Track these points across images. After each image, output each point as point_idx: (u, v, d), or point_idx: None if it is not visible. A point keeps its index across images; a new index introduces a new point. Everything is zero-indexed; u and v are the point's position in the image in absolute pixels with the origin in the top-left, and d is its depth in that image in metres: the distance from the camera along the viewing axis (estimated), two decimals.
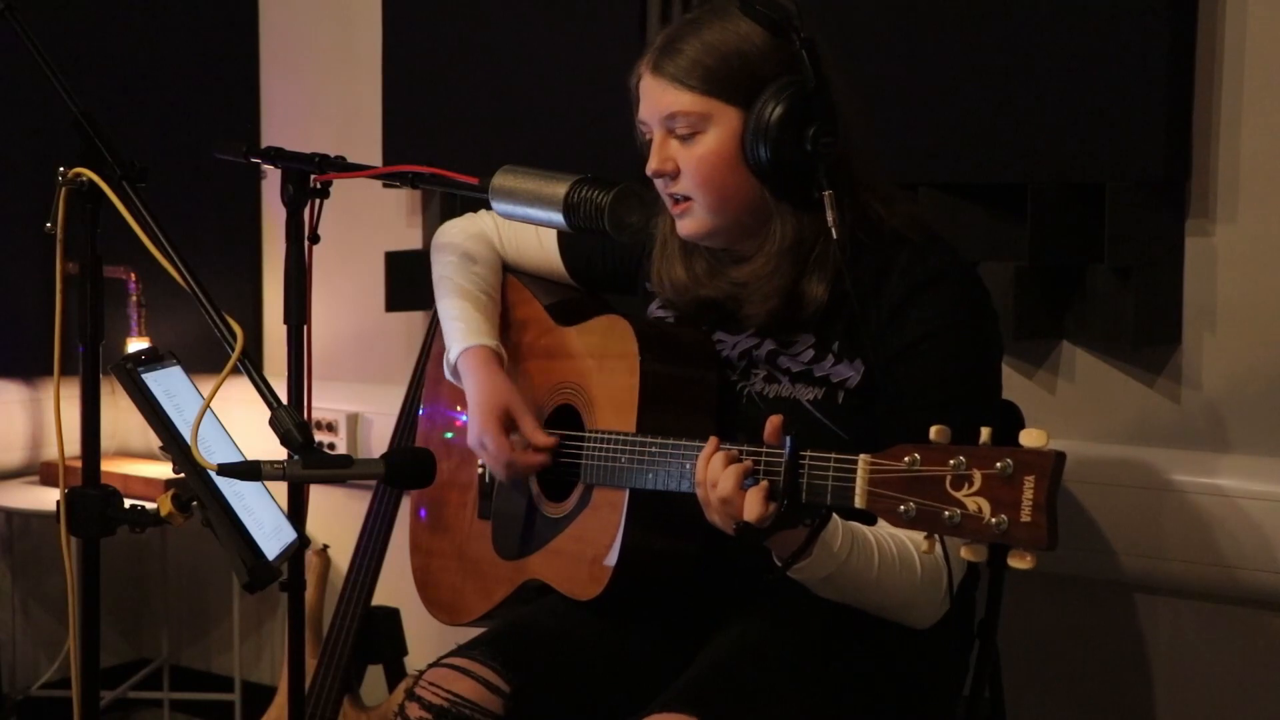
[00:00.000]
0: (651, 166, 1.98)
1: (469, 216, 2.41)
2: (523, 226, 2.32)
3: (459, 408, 2.30)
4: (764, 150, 1.90)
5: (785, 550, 1.76)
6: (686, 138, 1.95)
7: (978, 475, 1.52)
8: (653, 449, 1.93)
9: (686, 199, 1.97)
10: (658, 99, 1.96)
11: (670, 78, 1.94)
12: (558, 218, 1.88)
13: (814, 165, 1.88)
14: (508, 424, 2.12)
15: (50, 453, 3.57)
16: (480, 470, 2.30)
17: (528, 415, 2.13)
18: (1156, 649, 2.54)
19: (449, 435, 2.37)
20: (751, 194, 1.95)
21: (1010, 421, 2.20)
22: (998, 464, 1.50)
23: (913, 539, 1.87)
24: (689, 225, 1.99)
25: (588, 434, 2.06)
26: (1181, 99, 2.40)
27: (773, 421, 1.74)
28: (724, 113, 1.93)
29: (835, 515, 1.81)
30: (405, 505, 2.66)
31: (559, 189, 1.87)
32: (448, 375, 2.26)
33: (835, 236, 1.87)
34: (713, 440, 1.78)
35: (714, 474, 1.74)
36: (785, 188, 1.92)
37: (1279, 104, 2.38)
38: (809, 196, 1.91)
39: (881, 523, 1.89)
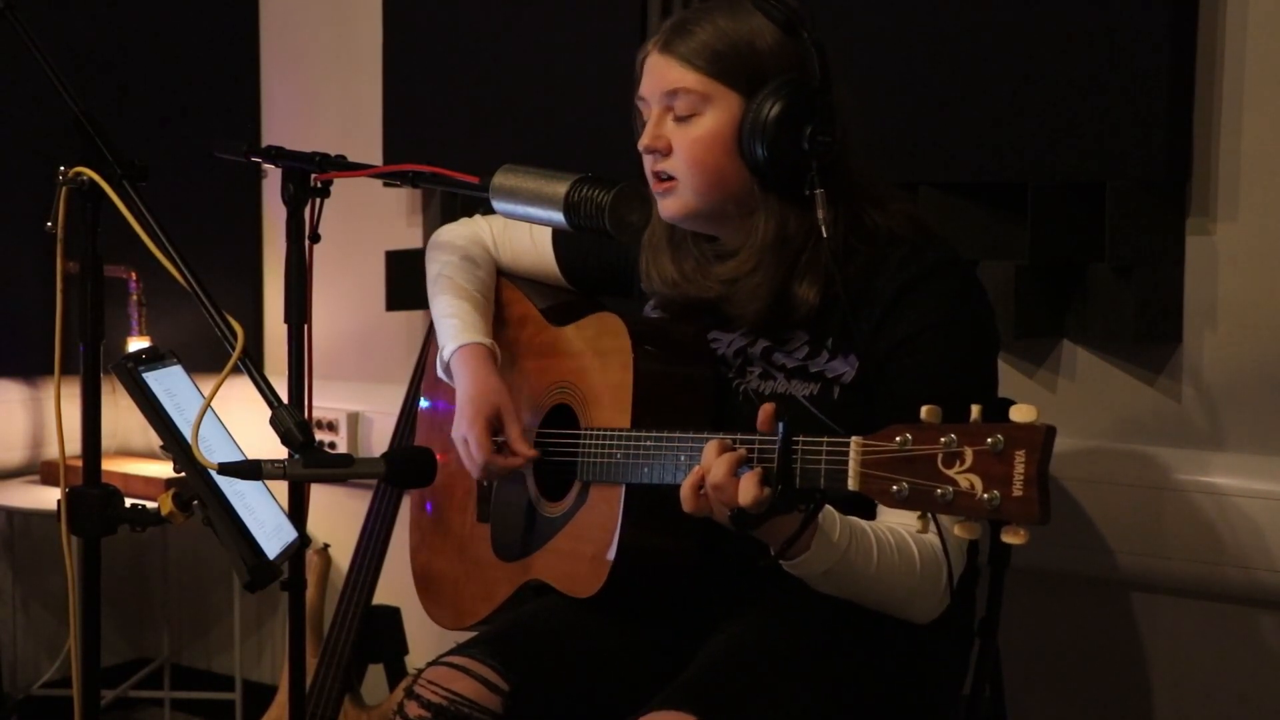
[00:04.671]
0: (644, 142, 1.99)
1: (464, 220, 2.41)
2: (517, 229, 2.32)
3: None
4: (759, 140, 1.90)
5: (779, 540, 1.76)
6: (684, 118, 1.95)
7: (969, 452, 1.52)
8: (647, 443, 1.93)
9: (672, 178, 1.98)
10: (662, 75, 1.96)
11: (679, 56, 1.95)
12: (558, 217, 1.88)
13: (808, 163, 1.89)
14: (495, 425, 2.13)
15: (51, 452, 3.58)
16: None
17: (515, 423, 2.13)
18: (1156, 648, 2.54)
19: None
20: (739, 183, 1.95)
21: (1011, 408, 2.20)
22: (988, 440, 1.51)
23: (910, 531, 1.87)
24: (671, 205, 1.99)
25: (583, 432, 2.06)
26: (1182, 98, 2.39)
27: (765, 410, 1.74)
28: (725, 97, 1.93)
29: (834, 510, 1.81)
30: (406, 504, 2.66)
31: (560, 188, 1.87)
32: (440, 373, 2.26)
33: (825, 235, 1.87)
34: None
35: (707, 461, 1.75)
36: (775, 182, 1.93)
37: (1279, 102, 2.38)
38: (798, 194, 1.91)
39: (881, 515, 1.90)
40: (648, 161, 2.01)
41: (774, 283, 1.96)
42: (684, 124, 1.96)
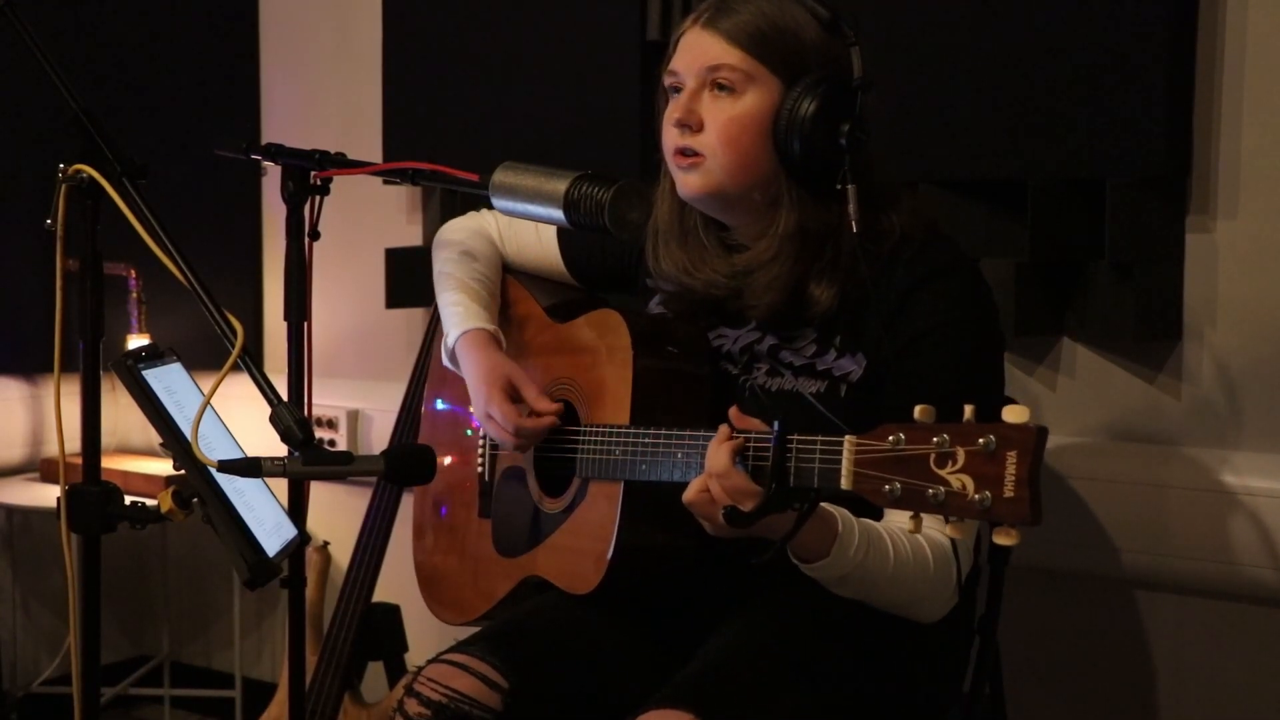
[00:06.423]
0: (676, 115, 1.96)
1: (470, 215, 2.41)
2: (523, 225, 2.32)
3: (463, 405, 2.31)
4: (795, 132, 1.90)
5: (776, 538, 1.76)
6: (724, 88, 1.93)
7: (961, 452, 1.52)
8: (646, 440, 1.93)
9: (699, 154, 1.96)
10: (705, 50, 1.94)
11: (724, 33, 1.93)
12: (558, 214, 1.88)
13: (840, 160, 1.89)
14: (512, 394, 2.13)
15: (51, 449, 3.58)
16: (480, 470, 2.30)
17: (530, 383, 2.13)
18: (1158, 646, 2.54)
19: (469, 433, 2.37)
20: (767, 169, 1.94)
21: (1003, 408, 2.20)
22: (980, 440, 1.51)
23: (922, 531, 1.86)
24: (695, 181, 1.97)
25: (582, 428, 2.06)
26: (1182, 95, 2.40)
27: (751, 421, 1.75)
28: (767, 80, 1.92)
29: (851, 516, 1.82)
30: (406, 502, 2.66)
31: (559, 185, 1.87)
32: (445, 361, 2.26)
33: (855, 230, 1.87)
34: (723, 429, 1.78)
35: (711, 453, 1.75)
36: (803, 175, 1.93)
37: (1279, 100, 2.38)
38: (821, 189, 1.91)
39: (887, 513, 1.90)
40: (673, 135, 1.98)
41: (791, 277, 1.96)
42: (722, 99, 1.94)
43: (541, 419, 2.10)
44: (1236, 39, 2.39)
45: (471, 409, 2.19)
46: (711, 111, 1.94)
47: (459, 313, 2.23)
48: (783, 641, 1.94)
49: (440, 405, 2.43)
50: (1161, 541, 2.44)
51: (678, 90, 1.98)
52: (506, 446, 2.17)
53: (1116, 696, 2.59)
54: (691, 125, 1.95)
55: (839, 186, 1.88)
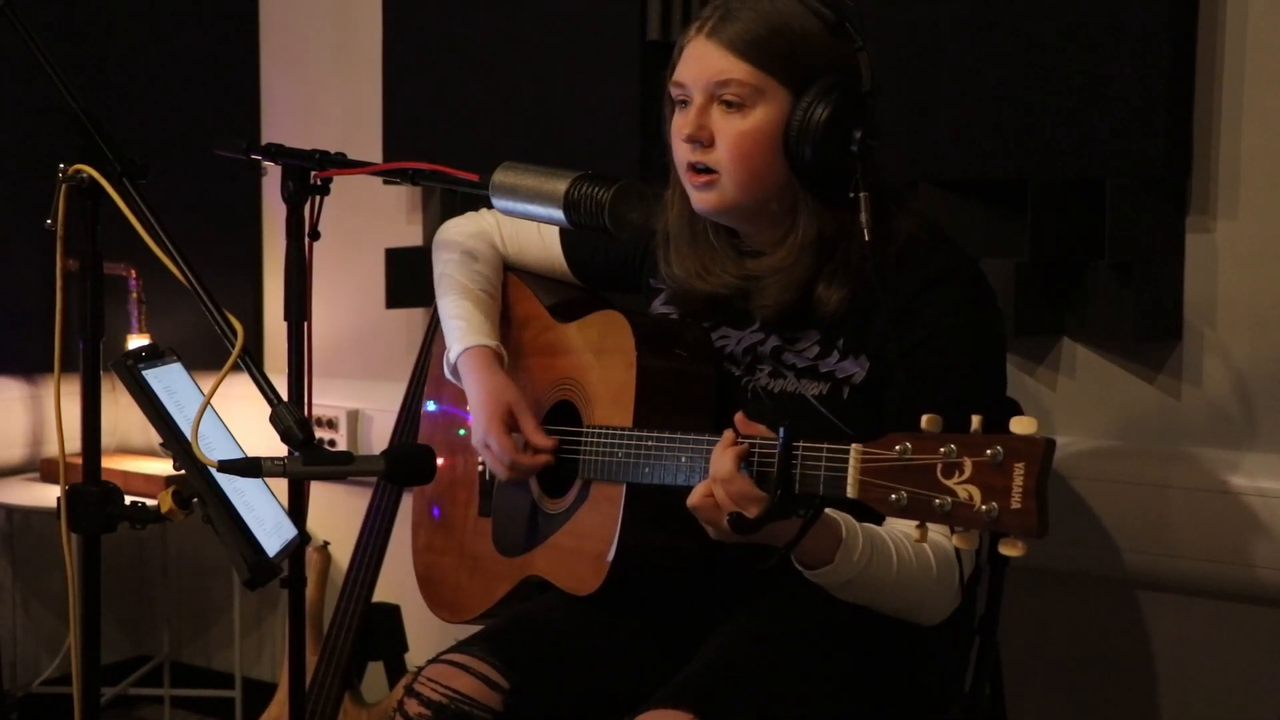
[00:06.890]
0: (686, 131, 1.94)
1: (470, 215, 2.41)
2: (525, 224, 2.32)
3: (462, 406, 2.31)
4: (807, 141, 1.88)
5: (780, 545, 1.76)
6: (733, 105, 1.91)
7: (968, 463, 1.52)
8: (649, 443, 1.93)
9: (712, 171, 1.94)
10: (711, 63, 1.92)
11: (728, 45, 1.91)
12: (558, 214, 1.88)
13: (852, 166, 1.87)
14: (511, 424, 2.13)
15: (51, 449, 3.58)
16: (481, 468, 2.30)
17: (529, 416, 2.13)
18: (1159, 646, 2.54)
19: (460, 433, 2.37)
20: (781, 180, 1.93)
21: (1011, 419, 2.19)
22: (988, 451, 1.50)
23: (930, 537, 1.86)
24: (710, 198, 1.96)
25: (585, 430, 2.06)
26: (1182, 95, 2.39)
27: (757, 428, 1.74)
28: (776, 92, 1.91)
29: (855, 521, 1.81)
30: (406, 502, 2.66)
31: (559, 185, 1.87)
32: (447, 374, 2.26)
33: (868, 238, 1.85)
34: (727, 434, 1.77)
35: (715, 459, 1.74)
36: (818, 183, 1.92)
37: (1279, 99, 2.38)
38: (836, 195, 1.90)
39: (890, 520, 1.89)
40: (684, 151, 1.96)
41: (805, 278, 1.95)
42: (731, 115, 1.92)
43: (537, 456, 2.10)
44: (1236, 39, 2.39)
45: (468, 408, 2.19)
46: (721, 127, 1.93)
47: (461, 327, 2.22)
48: (783, 642, 1.94)
49: (440, 406, 2.43)
50: (1162, 542, 2.44)
51: (684, 102, 1.96)
52: (500, 477, 2.17)
53: (1117, 697, 2.58)
54: (702, 141, 1.94)
55: (852, 195, 1.87)
